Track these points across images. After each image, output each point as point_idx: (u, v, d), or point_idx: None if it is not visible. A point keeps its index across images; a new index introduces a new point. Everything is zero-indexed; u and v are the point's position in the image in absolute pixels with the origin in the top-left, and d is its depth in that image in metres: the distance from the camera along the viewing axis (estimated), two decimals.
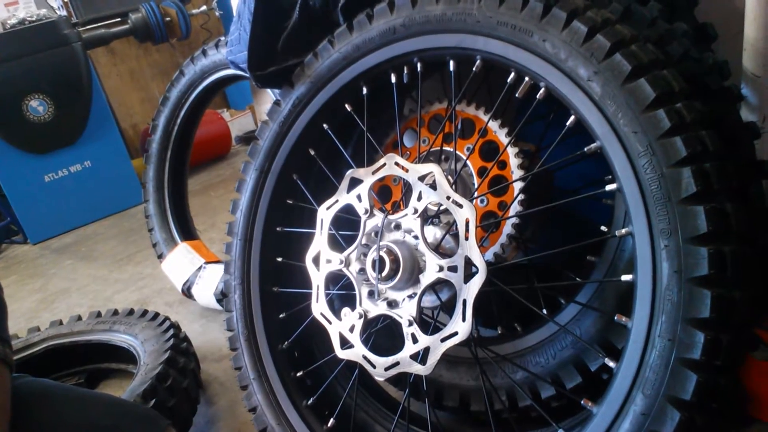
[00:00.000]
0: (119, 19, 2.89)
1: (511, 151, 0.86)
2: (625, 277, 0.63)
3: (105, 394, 0.93)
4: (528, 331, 0.90)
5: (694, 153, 0.58)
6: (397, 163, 0.78)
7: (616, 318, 0.65)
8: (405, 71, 0.87)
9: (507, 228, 0.88)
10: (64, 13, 2.85)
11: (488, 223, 0.87)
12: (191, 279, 1.64)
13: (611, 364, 0.64)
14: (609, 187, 0.65)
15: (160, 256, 1.76)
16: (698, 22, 0.88)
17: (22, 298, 2.24)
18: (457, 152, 0.91)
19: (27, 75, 2.52)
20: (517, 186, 0.86)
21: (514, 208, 0.86)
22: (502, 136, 0.88)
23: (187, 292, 1.66)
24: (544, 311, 0.86)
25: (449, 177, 0.87)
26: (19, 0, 2.95)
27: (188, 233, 1.80)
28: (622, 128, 0.62)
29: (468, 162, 0.90)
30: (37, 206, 2.75)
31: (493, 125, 0.88)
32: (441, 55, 0.82)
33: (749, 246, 0.57)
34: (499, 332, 0.95)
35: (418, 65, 0.85)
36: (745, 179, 0.61)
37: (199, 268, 1.64)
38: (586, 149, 0.67)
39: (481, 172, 0.89)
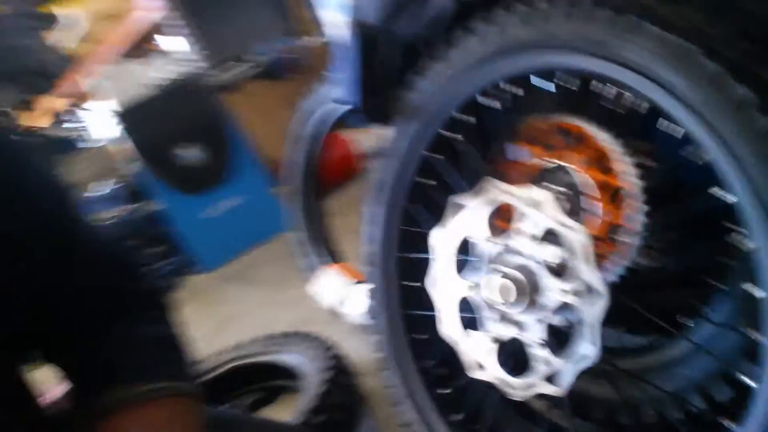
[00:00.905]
0: (245, 65, 3.18)
1: (628, 161, 0.86)
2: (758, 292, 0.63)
3: (273, 421, 1.06)
4: (669, 343, 0.89)
5: None
6: (501, 189, 0.82)
7: (750, 333, 0.64)
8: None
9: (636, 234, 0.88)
10: (199, 63, 3.20)
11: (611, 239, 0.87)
12: (342, 299, 1.79)
13: (752, 383, 0.64)
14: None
15: (310, 281, 1.93)
16: None
17: (200, 324, 2.56)
18: (570, 167, 0.93)
19: (176, 127, 2.87)
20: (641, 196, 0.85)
21: (640, 219, 0.85)
22: (616, 147, 0.88)
23: (338, 311, 1.81)
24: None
25: (564, 193, 0.90)
26: (157, 59, 3.34)
27: (335, 256, 1.95)
28: (737, 142, 0.61)
29: (577, 175, 0.91)
30: (201, 240, 3.11)
31: (605, 136, 0.89)
32: (550, 72, 0.85)
33: None
34: (641, 343, 0.95)
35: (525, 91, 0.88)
36: None
37: (349, 288, 1.79)
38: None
39: (600, 186, 0.90)
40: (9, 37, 3.30)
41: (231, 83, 3.08)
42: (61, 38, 3.82)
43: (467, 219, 0.86)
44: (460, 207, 0.86)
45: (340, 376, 1.33)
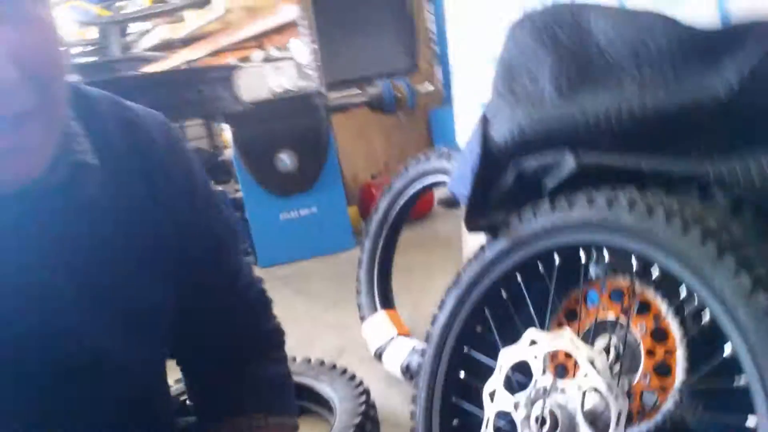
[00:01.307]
0: (358, 91, 3.39)
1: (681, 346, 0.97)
2: None
3: None
4: None
5: None
6: (571, 340, 0.95)
7: None
8: (594, 254, 1.04)
9: (668, 404, 0.99)
10: (318, 79, 3.43)
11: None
12: (383, 346, 1.93)
13: None
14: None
15: (362, 318, 2.08)
16: None
17: None
18: (632, 327, 1.04)
19: (282, 133, 3.10)
20: (680, 367, 0.97)
21: (674, 393, 0.96)
22: (674, 326, 0.99)
23: (378, 356, 1.95)
24: None
25: (618, 348, 1.02)
26: (284, 66, 3.60)
27: (388, 302, 2.10)
28: None
29: (640, 341, 1.03)
30: (270, 237, 3.32)
31: (668, 312, 1.00)
32: (626, 252, 0.97)
33: None
34: None
35: (605, 254, 1.01)
36: None
37: (392, 338, 1.93)
38: (736, 383, 0.78)
39: (649, 353, 1.01)
40: None
41: (341, 105, 3.29)
42: (195, 17, 4.15)
43: (533, 351, 0.99)
44: (533, 340, 0.99)
45: (367, 425, 1.46)
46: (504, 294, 1.19)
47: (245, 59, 6.21)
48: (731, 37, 0.98)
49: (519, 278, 1.15)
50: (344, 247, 3.40)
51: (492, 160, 1.24)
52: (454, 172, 1.41)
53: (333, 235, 3.37)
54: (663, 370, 0.99)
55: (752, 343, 0.74)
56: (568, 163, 1.06)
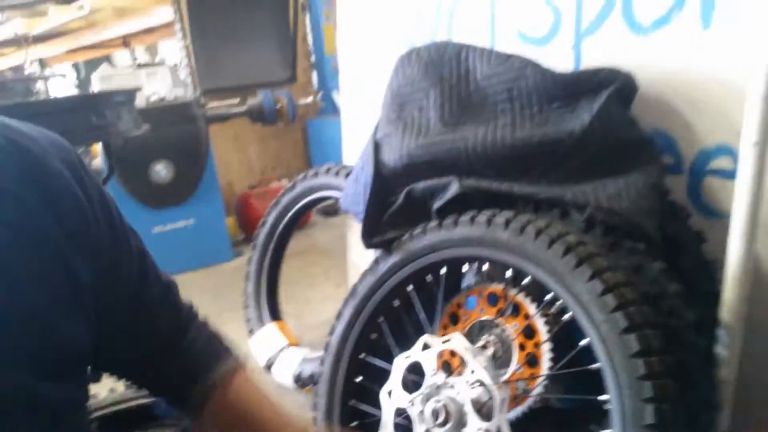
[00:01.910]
0: (237, 100, 3.39)
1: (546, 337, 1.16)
2: None
3: None
4: None
5: (657, 396, 0.86)
6: (460, 342, 1.09)
7: None
8: (476, 265, 1.19)
9: (538, 388, 1.17)
10: (191, 89, 3.37)
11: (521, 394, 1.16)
12: (273, 358, 1.98)
13: None
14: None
15: (251, 332, 2.12)
16: (706, 258, 1.17)
17: None
18: (506, 326, 1.21)
19: (157, 143, 3.00)
20: (545, 358, 1.15)
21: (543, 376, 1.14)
22: (540, 323, 1.18)
23: (268, 368, 1.99)
24: None
25: (496, 344, 1.18)
26: (158, 71, 3.50)
27: (276, 314, 2.15)
28: (616, 362, 0.91)
29: (513, 338, 1.20)
30: None
31: (535, 313, 1.18)
32: (503, 264, 1.14)
33: None
34: None
35: (485, 265, 1.17)
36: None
37: (281, 349, 1.98)
38: (591, 366, 0.96)
39: (521, 347, 1.19)
40: None
41: (220, 115, 3.27)
42: (58, 12, 3.90)
43: (426, 354, 1.12)
44: (426, 344, 1.12)
45: None
46: (396, 303, 1.31)
47: (108, 58, 5.88)
48: (585, 81, 1.18)
49: (410, 289, 1.29)
50: (223, 259, 3.37)
51: (384, 182, 1.36)
52: (346, 190, 1.52)
53: (211, 246, 3.33)
54: (532, 361, 1.17)
55: (604, 336, 0.93)
56: (453, 186, 1.21)
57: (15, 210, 0.60)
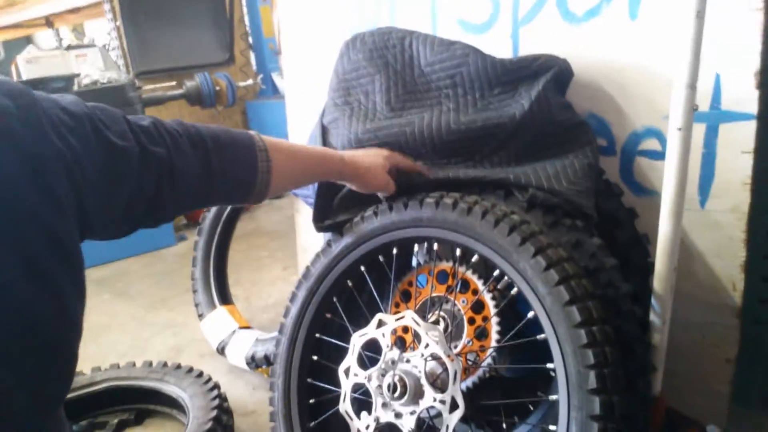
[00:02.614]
0: (174, 83, 3.30)
1: (493, 310, 1.23)
2: (553, 397, 1.00)
3: None
4: None
5: (599, 362, 0.95)
6: (413, 319, 1.15)
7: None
8: (425, 245, 1.25)
9: (488, 359, 1.25)
10: (124, 72, 3.27)
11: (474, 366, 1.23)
12: (225, 340, 1.99)
13: None
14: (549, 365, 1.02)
15: (201, 316, 2.11)
16: (638, 233, 1.27)
17: None
18: (457, 304, 1.28)
19: None
20: (494, 331, 1.22)
21: (492, 347, 1.22)
22: (488, 298, 1.25)
23: (220, 351, 2.00)
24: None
25: (447, 319, 1.25)
26: (88, 53, 3.36)
27: (225, 298, 2.15)
28: (560, 332, 0.99)
29: (463, 313, 1.26)
30: None
31: (483, 288, 1.25)
32: (452, 244, 1.19)
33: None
34: None
35: (435, 245, 1.22)
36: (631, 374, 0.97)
37: (233, 332, 1.99)
38: (538, 337, 1.04)
39: (470, 321, 1.26)
40: None
41: (157, 98, 3.18)
42: None
43: (381, 330, 1.17)
44: (381, 321, 1.16)
45: (222, 417, 1.53)
46: (350, 283, 1.35)
47: (30, 38, 5.56)
48: (524, 68, 1.24)
49: (362, 269, 1.33)
50: (165, 244, 3.31)
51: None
52: None
53: (153, 232, 3.25)
54: (482, 334, 1.24)
55: (548, 308, 1.00)
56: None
57: None
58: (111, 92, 2.92)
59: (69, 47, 3.21)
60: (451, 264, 1.31)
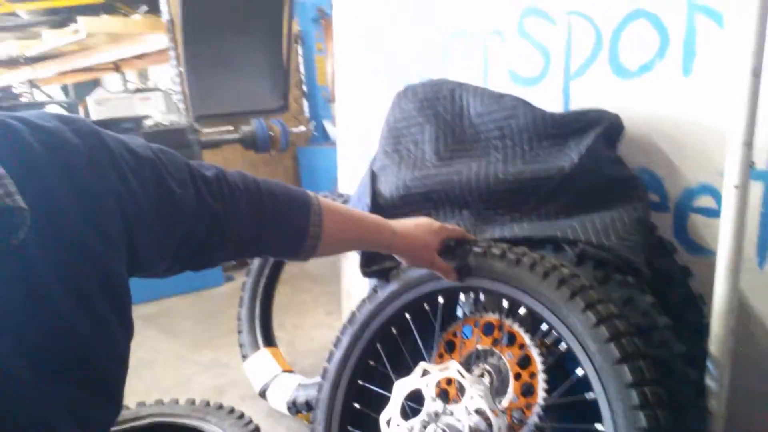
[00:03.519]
0: (231, 127, 3.43)
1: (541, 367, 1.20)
2: None
3: None
4: None
5: (651, 425, 0.91)
6: (458, 371, 1.13)
7: None
8: (471, 295, 1.24)
9: (534, 417, 1.21)
10: (185, 115, 3.42)
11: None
12: (267, 383, 1.99)
13: None
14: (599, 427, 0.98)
15: (244, 357, 2.13)
16: (693, 292, 1.23)
17: None
18: (503, 357, 1.25)
19: None
20: (541, 388, 1.19)
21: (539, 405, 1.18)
22: (535, 353, 1.22)
23: (262, 393, 2.01)
24: None
25: (492, 373, 1.22)
26: (152, 97, 3.54)
27: (269, 340, 2.17)
28: (610, 392, 0.96)
29: (509, 367, 1.24)
30: None
31: (531, 343, 1.23)
32: (499, 295, 1.18)
33: None
34: None
35: (481, 296, 1.21)
36: None
37: (276, 375, 2.00)
38: (587, 396, 1.01)
39: (516, 377, 1.23)
40: None
41: (214, 142, 3.31)
42: (54, 35, 3.93)
43: (425, 381, 1.16)
44: (425, 371, 1.15)
45: None
46: (394, 331, 1.35)
47: (98, 81, 5.91)
48: (574, 121, 1.25)
49: (407, 317, 1.33)
50: (213, 283, 3.38)
51: (381, 212, 1.41)
52: None
53: (202, 271, 3.34)
54: (528, 390, 1.21)
55: (598, 366, 0.97)
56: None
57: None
58: (171, 134, 3.06)
59: (135, 90, 3.39)
60: (497, 316, 1.29)
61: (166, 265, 0.83)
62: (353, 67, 1.96)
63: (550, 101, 1.43)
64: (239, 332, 2.20)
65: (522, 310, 1.16)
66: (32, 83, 4.76)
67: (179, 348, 2.67)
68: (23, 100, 4.75)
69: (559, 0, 1.39)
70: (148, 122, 3.06)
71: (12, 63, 4.25)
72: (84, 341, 0.67)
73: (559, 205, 1.24)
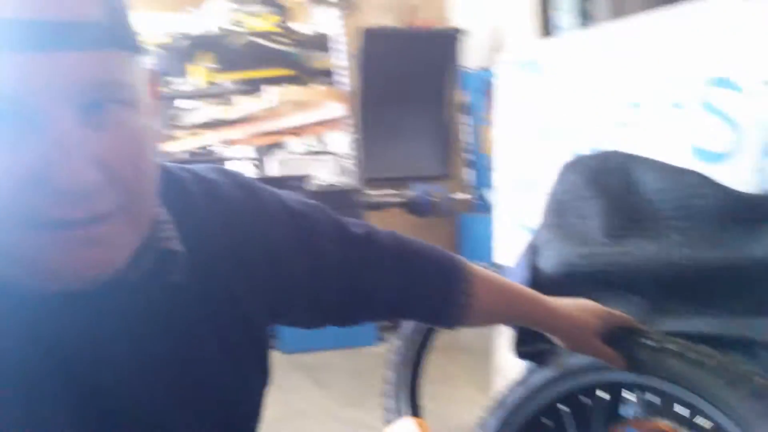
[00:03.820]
0: (395, 191, 3.56)
1: None
2: None
3: None
4: None
5: None
6: None
7: None
8: (640, 394, 1.10)
9: None
10: (354, 178, 3.61)
11: None
12: None
13: None
14: None
15: (388, 422, 2.10)
16: None
17: (270, 405, 2.73)
18: None
19: None
20: None
21: None
22: None
23: None
24: None
25: None
26: (326, 159, 3.79)
27: (416, 409, 2.12)
28: None
29: None
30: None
31: None
32: (673, 399, 1.03)
33: None
34: None
35: (651, 396, 1.07)
36: None
37: None
38: None
39: None
40: None
41: (378, 204, 3.44)
42: (247, 102, 4.42)
43: None
44: None
45: None
46: (546, 422, 1.23)
47: (280, 144, 6.51)
48: None
49: (562, 409, 1.21)
50: (367, 342, 3.43)
51: (538, 288, 1.32)
52: None
53: (357, 328, 3.40)
54: None
55: None
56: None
57: (200, 264, 0.65)
58: (340, 195, 3.24)
59: (311, 153, 3.67)
60: (670, 423, 1.13)
61: (308, 318, 0.84)
62: (512, 134, 1.93)
63: (740, 180, 1.26)
64: (385, 396, 2.17)
65: (700, 420, 1.00)
66: (227, 143, 5.36)
67: (329, 402, 2.72)
68: (217, 156, 5.36)
69: (752, 70, 1.24)
70: (318, 182, 3.27)
71: (212, 125, 4.84)
72: (227, 391, 0.69)
73: (753, 301, 1.07)
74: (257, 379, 0.74)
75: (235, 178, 0.75)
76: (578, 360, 1.17)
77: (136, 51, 0.55)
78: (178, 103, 4.79)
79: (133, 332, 0.60)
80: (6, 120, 0.48)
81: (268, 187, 0.79)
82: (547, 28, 2.02)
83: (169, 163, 0.71)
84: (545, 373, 1.23)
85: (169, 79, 4.62)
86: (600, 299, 1.23)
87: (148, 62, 0.59)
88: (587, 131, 1.69)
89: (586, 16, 1.97)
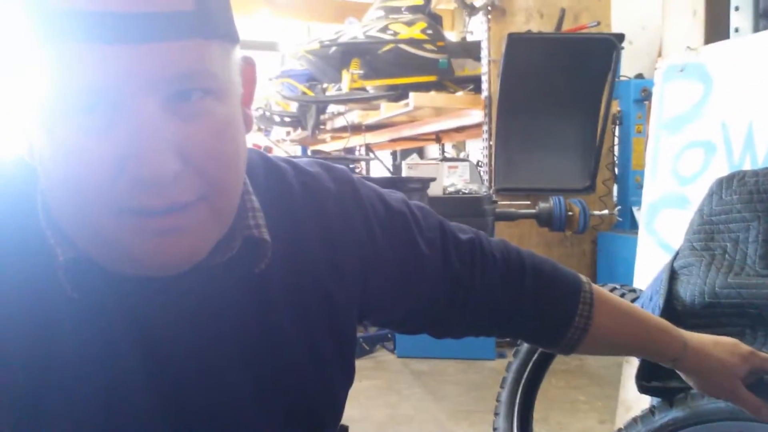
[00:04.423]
0: (528, 203, 3.39)
1: None
2: None
3: None
4: None
5: None
6: None
7: None
8: None
9: None
10: (486, 186, 3.50)
11: None
12: None
13: None
14: None
15: None
16: None
17: (378, 407, 2.74)
18: None
19: None
20: None
21: None
22: None
23: None
24: None
25: None
26: (459, 166, 3.72)
27: (526, 429, 1.98)
28: None
29: None
30: None
31: None
32: None
33: None
34: None
35: None
36: None
37: None
38: None
39: None
40: None
41: (508, 214, 3.31)
42: (387, 107, 4.48)
43: None
44: None
45: None
46: None
47: (420, 149, 6.56)
48: None
49: None
50: (485, 356, 3.31)
51: (674, 318, 1.16)
52: None
53: (474, 340, 3.29)
54: None
55: None
56: None
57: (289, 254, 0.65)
58: (468, 202, 3.15)
59: (444, 159, 3.63)
60: None
61: (398, 320, 0.79)
62: (669, 147, 1.73)
63: None
64: (495, 414, 2.06)
65: None
66: (368, 147, 5.49)
67: (439, 412, 2.65)
68: (358, 158, 5.52)
69: None
70: (449, 188, 3.22)
71: (355, 129, 4.99)
72: (308, 388, 0.67)
73: None
74: (339, 379, 0.71)
75: (336, 173, 0.73)
76: (712, 404, 1.01)
77: (228, 39, 0.53)
78: (330, 108, 5.01)
79: (213, 316, 0.60)
80: (94, 110, 0.48)
81: (370, 184, 0.76)
82: (717, 30, 1.81)
83: (272, 156, 0.71)
84: (671, 414, 1.08)
85: (323, 85, 4.84)
86: (745, 337, 1.06)
87: (240, 53, 0.56)
88: (760, 146, 1.47)
89: (765, 17, 1.73)
